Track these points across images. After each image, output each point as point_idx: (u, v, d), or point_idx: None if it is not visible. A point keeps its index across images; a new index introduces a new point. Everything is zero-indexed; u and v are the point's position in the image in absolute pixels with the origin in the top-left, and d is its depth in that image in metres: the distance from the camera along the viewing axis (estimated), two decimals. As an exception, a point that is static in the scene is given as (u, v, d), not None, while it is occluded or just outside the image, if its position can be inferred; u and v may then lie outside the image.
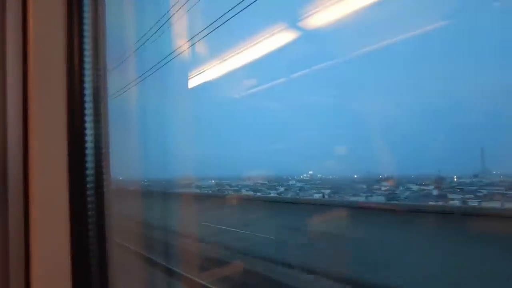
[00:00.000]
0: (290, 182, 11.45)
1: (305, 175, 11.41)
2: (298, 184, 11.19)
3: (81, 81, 0.69)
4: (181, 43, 5.21)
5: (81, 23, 0.66)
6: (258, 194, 11.32)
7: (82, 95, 0.71)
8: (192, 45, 5.20)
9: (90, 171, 0.82)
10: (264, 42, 4.92)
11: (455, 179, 8.46)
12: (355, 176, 10.51)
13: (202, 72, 5.73)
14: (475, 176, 8.27)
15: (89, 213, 0.86)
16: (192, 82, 5.96)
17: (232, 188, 12.27)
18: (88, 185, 0.83)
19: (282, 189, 11.23)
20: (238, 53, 5.20)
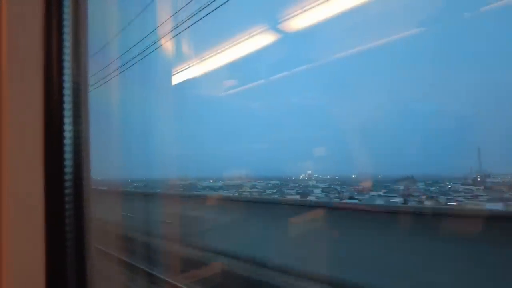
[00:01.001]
0: (309, 183, 10.48)
1: (303, 174, 11.01)
2: (321, 185, 10.08)
3: (60, 78, 0.67)
4: (162, 40, 5.18)
5: (60, 15, 0.64)
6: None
7: (60, 91, 0.69)
8: (174, 41, 5.17)
9: (68, 169, 0.79)
10: (244, 43, 4.97)
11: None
12: (353, 176, 10.16)
13: (184, 69, 5.71)
14: (487, 176, 7.77)
15: (67, 213, 0.82)
16: (175, 79, 5.92)
17: (251, 190, 10.84)
18: (66, 184, 0.80)
19: (317, 191, 9.81)
20: (219, 52, 5.22)
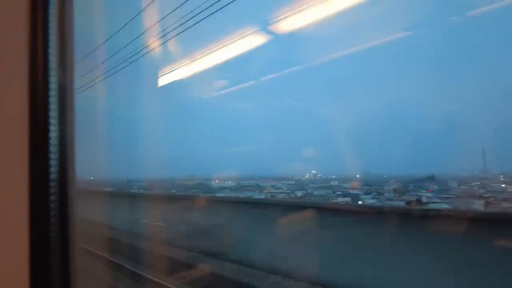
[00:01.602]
0: (332, 183, 9.74)
1: (308, 175, 10.53)
2: (345, 185, 9.26)
3: (45, 79, 0.67)
4: (151, 41, 5.14)
5: (45, 17, 0.64)
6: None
7: (46, 93, 0.69)
8: (163, 42, 5.12)
9: (53, 171, 0.79)
10: (234, 44, 4.96)
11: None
12: (357, 175, 9.49)
13: (173, 70, 5.65)
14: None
15: (52, 213, 0.82)
16: (168, 81, 5.83)
17: (276, 191, 9.84)
18: (51, 184, 0.80)
19: (359, 192, 8.84)
20: (208, 53, 5.19)
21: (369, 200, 8.38)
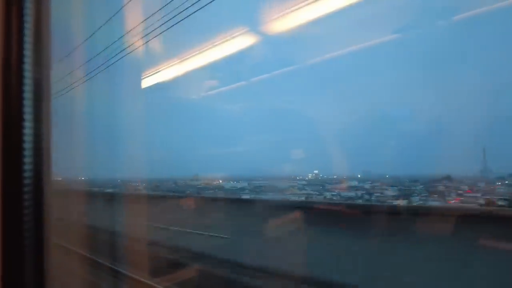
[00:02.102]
0: (350, 183, 9.40)
1: (310, 175, 10.45)
2: (367, 186, 8.94)
3: (20, 78, 0.66)
4: (135, 40, 5.03)
5: (20, 14, 0.63)
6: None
7: (20, 91, 0.67)
8: (146, 41, 5.02)
9: (28, 169, 0.77)
10: (223, 45, 4.90)
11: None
12: (358, 175, 9.51)
13: (167, 71, 5.56)
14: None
15: (26, 211, 0.81)
16: (149, 81, 5.71)
17: (301, 193, 9.35)
18: (25, 183, 0.79)
19: (390, 192, 8.35)
20: (196, 54, 5.11)
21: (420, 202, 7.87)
